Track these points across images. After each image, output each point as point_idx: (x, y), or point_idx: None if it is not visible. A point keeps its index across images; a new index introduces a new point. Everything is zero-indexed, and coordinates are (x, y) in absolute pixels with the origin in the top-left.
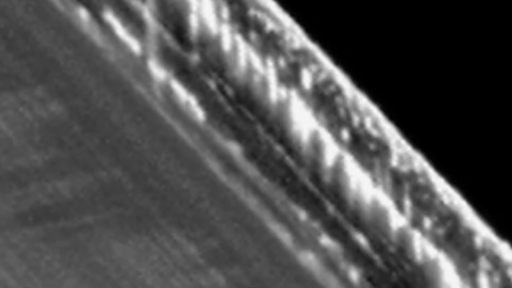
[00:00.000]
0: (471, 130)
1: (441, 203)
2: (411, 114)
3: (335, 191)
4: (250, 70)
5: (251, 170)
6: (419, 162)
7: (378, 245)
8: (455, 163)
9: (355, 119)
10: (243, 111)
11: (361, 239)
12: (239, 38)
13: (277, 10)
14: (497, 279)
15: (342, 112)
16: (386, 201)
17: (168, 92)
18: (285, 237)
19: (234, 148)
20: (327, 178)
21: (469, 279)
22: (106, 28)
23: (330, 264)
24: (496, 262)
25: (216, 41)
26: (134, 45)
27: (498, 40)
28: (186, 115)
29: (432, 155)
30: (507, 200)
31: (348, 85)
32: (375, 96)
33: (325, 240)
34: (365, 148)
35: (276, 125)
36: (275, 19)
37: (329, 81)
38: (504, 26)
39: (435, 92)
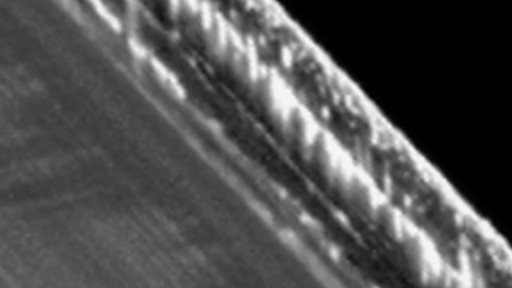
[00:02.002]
0: (451, 107)
1: (422, 181)
2: (391, 92)
3: (316, 169)
4: (230, 48)
5: (232, 148)
6: (399, 140)
7: (358, 223)
8: (435, 141)
9: (336, 97)
10: (223, 89)
11: (342, 217)
12: (219, 16)
13: None
14: (477, 257)
15: (322, 90)
16: (366, 179)
17: (148, 70)
18: (265, 215)
19: (215, 126)
20: (307, 156)
21: (450, 257)
22: (86, 6)
23: (311, 242)
24: (476, 240)
25: (196, 19)
26: (114, 23)
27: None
28: (167, 93)
29: (413, 133)
30: (487, 178)
31: (328, 63)
32: (355, 74)
33: (306, 218)
34: (346, 126)
35: (257, 103)
36: None
37: (309, 59)
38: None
39: (415, 69)
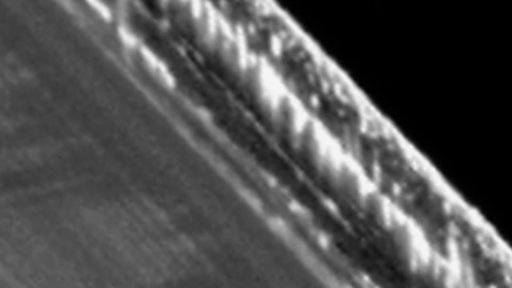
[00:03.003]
0: (440, 96)
1: (410, 169)
2: (380, 81)
3: (305, 157)
4: (220, 37)
5: (221, 136)
6: (388, 129)
7: (347, 211)
8: (424, 129)
9: (325, 86)
10: (213, 78)
11: (331, 205)
12: (208, 5)
13: None
14: (466, 244)
15: (311, 78)
16: (355, 167)
17: (138, 59)
18: (254, 203)
19: (204, 115)
20: (296, 144)
21: (438, 245)
22: None
23: (300, 230)
24: (465, 228)
25: (186, 7)
26: (104, 12)
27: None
28: (156, 82)
29: (401, 121)
30: (475, 166)
31: (317, 51)
32: (344, 62)
33: (295, 206)
34: (335, 114)
35: (246, 91)
36: None
37: (299, 48)
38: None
39: (405, 58)
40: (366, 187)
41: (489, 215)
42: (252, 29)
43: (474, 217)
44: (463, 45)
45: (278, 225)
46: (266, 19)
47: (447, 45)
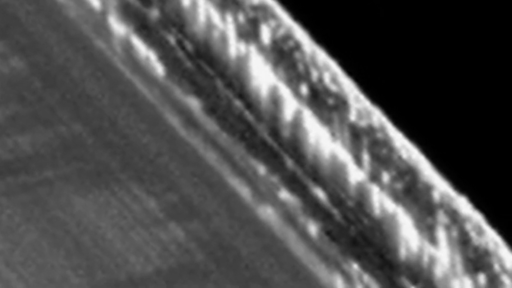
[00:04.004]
0: (429, 84)
1: (400, 157)
2: (370, 69)
3: (294, 145)
4: (210, 26)
5: (211, 124)
6: (378, 117)
7: (336, 200)
8: (413, 118)
9: (314, 74)
10: (202, 66)
11: (320, 194)
12: None
13: None
14: (454, 233)
15: (301, 67)
16: (344, 156)
17: (128, 48)
18: (244, 191)
19: (194, 103)
20: (286, 133)
21: (427, 233)
22: None
23: (289, 218)
24: (454, 216)
25: None
26: (94, 1)
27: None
28: (146, 70)
29: (391, 110)
30: (464, 155)
31: (307, 40)
32: (333, 51)
33: (284, 194)
34: (324, 103)
35: (235, 80)
36: None
37: (288, 37)
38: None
39: (394, 46)
40: (355, 175)
41: (478, 203)
42: (241, 18)
43: (463, 205)
44: (450, 34)
45: (267, 213)
46: (255, 8)
47: (434, 33)
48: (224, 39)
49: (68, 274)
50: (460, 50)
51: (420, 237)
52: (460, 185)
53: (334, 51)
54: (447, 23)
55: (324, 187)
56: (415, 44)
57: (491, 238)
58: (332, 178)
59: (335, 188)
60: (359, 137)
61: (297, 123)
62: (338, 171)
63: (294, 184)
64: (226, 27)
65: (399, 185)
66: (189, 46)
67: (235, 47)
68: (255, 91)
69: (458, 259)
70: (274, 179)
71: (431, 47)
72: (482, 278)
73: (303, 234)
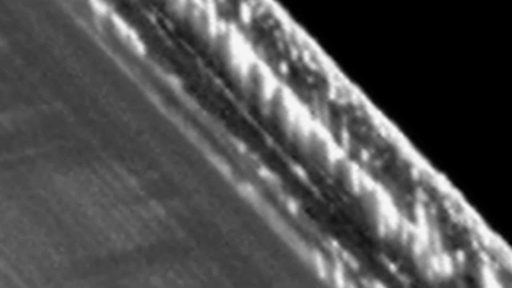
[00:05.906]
0: (408, 62)
1: (379, 135)
2: (349, 48)
3: (274, 123)
4: (190, 4)
5: (191, 103)
6: (357, 95)
7: (316, 177)
8: (391, 96)
9: (294, 53)
10: (183, 45)
11: (300, 171)
12: None
13: None
14: (433, 210)
15: (280, 45)
16: (324, 134)
17: (109, 26)
18: (224, 169)
19: (174, 81)
20: (266, 111)
21: (406, 210)
22: None
23: (269, 195)
24: (433, 193)
25: None
26: None
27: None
28: (127, 49)
29: (369, 88)
30: (443, 132)
31: (286, 19)
32: (313, 29)
33: (264, 172)
34: (304, 81)
35: (216, 58)
36: None
37: (268, 15)
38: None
39: (373, 23)
40: (335, 153)
41: (457, 181)
42: None
43: (442, 183)
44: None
45: (247, 191)
46: None
47: (414, 11)
48: (204, 17)
49: (49, 251)
50: (440, 27)
51: (399, 215)
52: (438, 162)
53: (313, 30)
54: (431, 11)
55: (304, 164)
56: (394, 22)
57: (470, 215)
58: (311, 156)
59: (314, 165)
60: (339, 115)
61: (277, 101)
62: (318, 149)
63: (274, 162)
64: (206, 6)
65: (378, 163)
66: (169, 25)
67: (215, 26)
68: (235, 69)
69: (437, 236)
70: (254, 157)
71: (410, 24)
72: (460, 255)
73: (283, 212)
